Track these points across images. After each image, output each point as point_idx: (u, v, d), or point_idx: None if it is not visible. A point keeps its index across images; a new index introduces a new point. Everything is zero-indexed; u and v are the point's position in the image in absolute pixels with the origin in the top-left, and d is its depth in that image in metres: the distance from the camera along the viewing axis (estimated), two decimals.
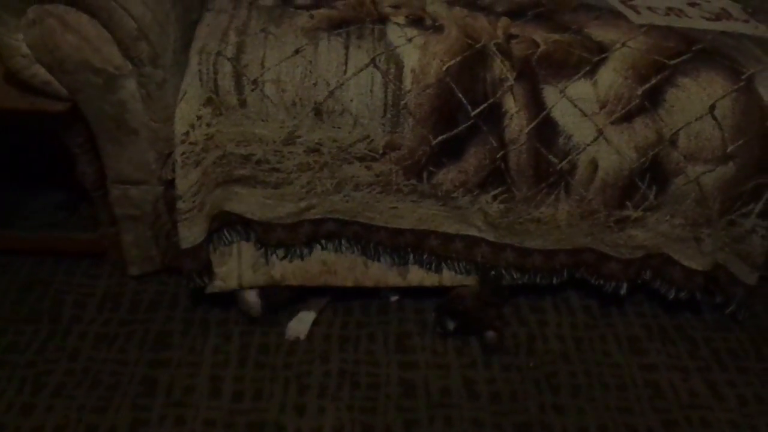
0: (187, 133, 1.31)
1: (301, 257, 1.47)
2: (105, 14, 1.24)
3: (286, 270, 1.48)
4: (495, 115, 1.33)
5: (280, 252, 1.46)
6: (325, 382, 1.39)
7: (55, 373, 1.38)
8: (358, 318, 1.53)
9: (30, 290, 1.56)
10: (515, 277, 1.49)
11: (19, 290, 1.55)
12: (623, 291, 1.49)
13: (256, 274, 1.48)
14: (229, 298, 1.50)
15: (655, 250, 1.47)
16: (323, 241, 1.47)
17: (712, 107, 1.33)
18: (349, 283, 1.50)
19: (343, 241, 1.46)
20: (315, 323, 1.51)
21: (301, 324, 1.48)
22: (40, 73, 1.30)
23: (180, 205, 1.35)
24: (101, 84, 1.30)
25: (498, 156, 1.35)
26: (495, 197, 1.38)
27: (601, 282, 1.50)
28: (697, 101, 1.33)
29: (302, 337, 1.47)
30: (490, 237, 1.44)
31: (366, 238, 1.46)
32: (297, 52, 1.32)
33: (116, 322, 1.49)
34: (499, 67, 1.33)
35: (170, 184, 1.38)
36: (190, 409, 1.32)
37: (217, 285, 1.48)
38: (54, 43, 1.25)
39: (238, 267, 1.47)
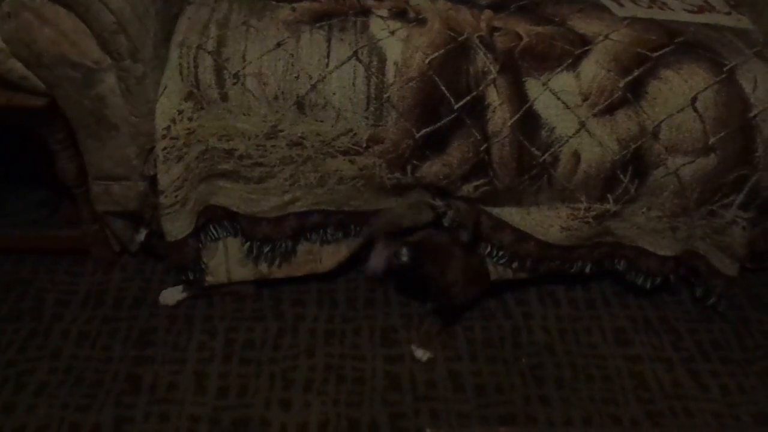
0: (168, 128, 1.29)
1: (287, 252, 1.47)
2: (82, 7, 1.22)
3: (272, 263, 1.47)
4: (478, 108, 1.33)
5: (266, 248, 1.45)
6: (311, 376, 1.38)
7: (37, 372, 1.36)
8: (344, 312, 1.53)
9: (10, 289, 1.54)
10: (478, 242, 1.46)
11: (0, 289, 1.53)
12: (587, 270, 1.50)
13: (244, 269, 1.47)
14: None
15: (627, 242, 1.47)
16: (309, 234, 1.46)
17: (694, 99, 1.33)
18: (333, 266, 1.51)
19: (329, 230, 1.45)
20: (300, 318, 1.50)
21: (175, 294, 1.51)
22: (17, 67, 1.28)
23: (162, 200, 1.34)
24: (80, 79, 1.28)
25: (481, 149, 1.35)
26: (476, 188, 1.38)
27: (568, 266, 1.49)
28: (679, 93, 1.34)
29: (169, 303, 1.50)
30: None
31: (353, 223, 1.45)
32: (279, 45, 1.31)
33: (99, 320, 1.48)
34: (482, 59, 1.33)
35: (153, 179, 1.37)
36: (174, 405, 1.31)
37: (208, 279, 1.47)
38: (30, 37, 1.23)
39: (225, 262, 1.47)
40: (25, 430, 1.26)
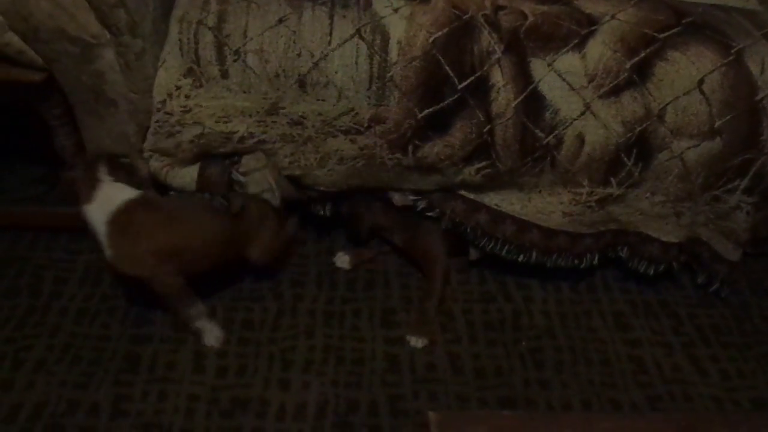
0: (163, 102, 1.27)
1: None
2: None
3: None
4: (482, 89, 1.31)
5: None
6: (310, 357, 1.38)
7: (35, 349, 1.36)
8: (344, 293, 1.52)
9: (8, 266, 1.53)
10: (482, 243, 1.46)
11: None
12: (595, 261, 1.49)
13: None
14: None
15: (631, 228, 1.46)
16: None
17: (701, 81, 1.32)
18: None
19: (327, 206, 1.44)
20: (299, 299, 1.50)
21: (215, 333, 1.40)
22: (14, 41, 1.26)
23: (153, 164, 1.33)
24: (78, 53, 1.26)
25: (485, 130, 1.33)
26: (478, 170, 1.37)
27: (575, 261, 1.48)
28: (686, 75, 1.32)
29: (218, 344, 1.39)
30: (469, 194, 1.43)
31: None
32: (280, 21, 1.29)
33: (98, 298, 1.47)
34: (486, 39, 1.31)
35: None
36: (173, 384, 1.31)
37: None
38: (27, 10, 1.21)
39: None
40: (23, 407, 1.26)
